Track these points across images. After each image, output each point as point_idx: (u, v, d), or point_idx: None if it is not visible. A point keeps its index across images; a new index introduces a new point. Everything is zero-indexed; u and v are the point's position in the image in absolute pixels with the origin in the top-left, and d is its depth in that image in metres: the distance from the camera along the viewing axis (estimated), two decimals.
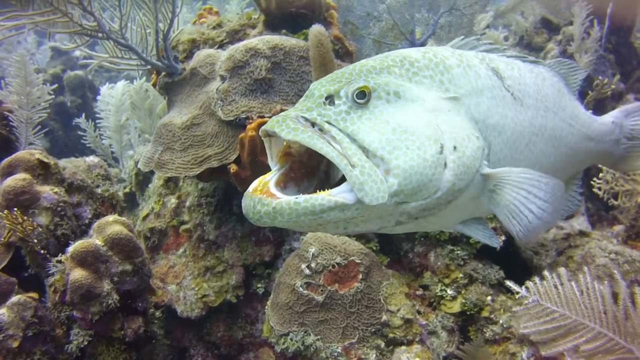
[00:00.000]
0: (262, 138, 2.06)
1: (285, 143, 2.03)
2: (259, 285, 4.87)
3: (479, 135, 2.22)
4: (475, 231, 2.64)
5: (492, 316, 4.42)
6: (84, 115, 8.06)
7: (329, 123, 1.97)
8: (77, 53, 13.03)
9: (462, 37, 2.66)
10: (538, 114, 2.69)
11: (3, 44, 13.05)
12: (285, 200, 1.86)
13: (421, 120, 2.06)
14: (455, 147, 2.07)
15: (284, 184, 2.02)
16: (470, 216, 2.57)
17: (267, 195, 1.89)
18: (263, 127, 2.00)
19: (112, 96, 7.91)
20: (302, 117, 1.99)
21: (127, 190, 6.65)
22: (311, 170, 2.13)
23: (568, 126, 2.95)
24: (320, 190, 1.91)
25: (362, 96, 2.02)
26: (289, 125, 1.93)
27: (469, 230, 2.63)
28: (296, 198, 1.85)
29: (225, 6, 10.18)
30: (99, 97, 8.25)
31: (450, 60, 2.37)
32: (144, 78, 7.94)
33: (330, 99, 2.03)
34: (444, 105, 2.18)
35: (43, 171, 4.35)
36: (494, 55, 2.66)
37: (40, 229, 4.08)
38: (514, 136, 2.46)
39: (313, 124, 1.97)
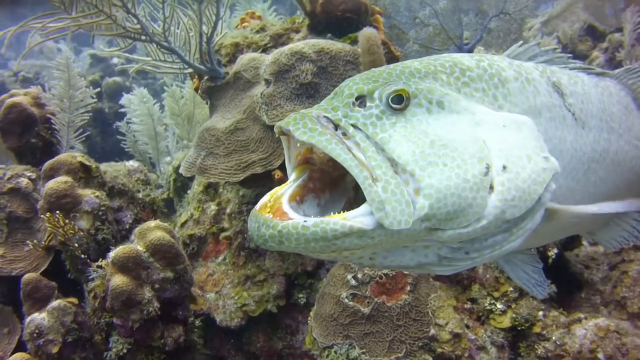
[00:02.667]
0: (278, 136, 1.80)
1: (306, 145, 1.76)
2: (300, 295, 4.75)
3: (548, 156, 1.90)
4: (520, 272, 2.34)
5: (544, 332, 4.23)
6: (125, 119, 8.04)
7: (355, 127, 1.70)
8: (115, 60, 13.16)
9: (521, 42, 2.37)
10: (601, 136, 2.39)
11: (43, 51, 13.23)
12: (293, 223, 1.58)
13: (466, 136, 1.77)
14: (504, 167, 1.76)
15: (300, 197, 1.77)
16: (525, 246, 2.22)
17: (275, 215, 1.62)
18: (278, 123, 1.74)
19: (136, 104, 7.88)
20: (325, 116, 1.72)
21: (164, 196, 6.60)
22: (334, 181, 1.86)
23: (634, 148, 2.63)
24: (345, 210, 1.64)
25: (399, 101, 1.74)
26: (306, 125, 1.67)
27: (511, 268, 2.34)
28: (305, 221, 1.57)
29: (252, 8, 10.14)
30: (122, 104, 8.26)
31: (507, 72, 2.08)
32: (174, 86, 7.92)
33: (361, 99, 1.76)
34: (499, 121, 1.88)
35: (85, 174, 4.30)
36: (556, 68, 2.37)
37: (81, 233, 4.03)
38: (572, 163, 2.17)
39: (336, 127, 1.70)
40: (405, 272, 4.08)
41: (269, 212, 1.65)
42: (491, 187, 1.73)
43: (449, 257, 1.82)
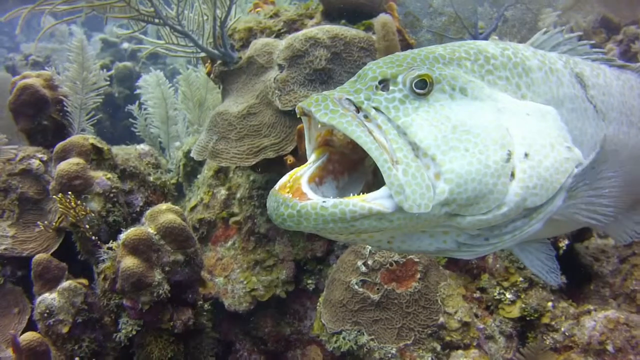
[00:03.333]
0: (299, 116, 1.80)
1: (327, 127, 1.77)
2: (310, 281, 4.74)
3: (571, 146, 1.89)
4: (534, 260, 2.33)
5: (553, 323, 4.22)
6: (137, 103, 8.04)
7: (378, 110, 1.70)
8: (125, 45, 13.16)
9: (544, 30, 2.35)
10: (620, 129, 2.39)
11: (54, 35, 13.23)
12: (312, 203, 1.58)
13: (488, 122, 1.77)
14: (526, 155, 1.77)
15: (320, 179, 1.78)
16: (540, 236, 2.23)
17: (294, 195, 1.63)
18: (300, 104, 1.74)
19: (153, 87, 7.87)
20: (347, 98, 1.72)
21: (174, 181, 6.60)
22: (353, 164, 1.87)
23: None
24: (363, 192, 1.64)
25: (423, 86, 1.75)
26: (328, 106, 1.67)
27: (526, 257, 2.32)
28: (324, 202, 1.58)
29: None
30: (139, 85, 8.25)
31: (531, 61, 2.07)
32: (190, 69, 7.91)
33: (384, 83, 1.76)
34: (522, 109, 1.89)
35: (96, 156, 4.31)
36: (579, 58, 2.35)
37: (92, 215, 4.03)
38: (590, 156, 2.12)
39: (358, 109, 1.70)
40: (415, 260, 4.07)
41: (288, 192, 1.65)
42: (512, 175, 1.74)
43: (468, 243, 1.82)
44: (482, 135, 1.72)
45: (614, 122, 2.36)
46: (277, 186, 1.69)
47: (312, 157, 1.81)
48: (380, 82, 1.77)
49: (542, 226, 1.89)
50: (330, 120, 1.64)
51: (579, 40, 2.43)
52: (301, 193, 1.64)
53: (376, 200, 1.60)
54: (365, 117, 1.68)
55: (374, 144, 1.61)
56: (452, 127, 1.70)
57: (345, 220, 1.57)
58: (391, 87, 1.75)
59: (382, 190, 1.61)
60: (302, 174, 1.72)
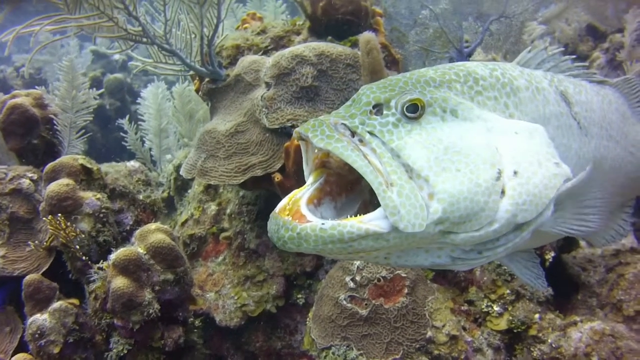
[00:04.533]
0: (297, 141, 1.88)
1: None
2: (299, 295, 4.78)
3: (559, 162, 1.95)
4: (522, 269, 2.39)
5: (540, 335, 4.27)
6: (127, 116, 8.07)
7: (372, 134, 1.77)
8: (117, 57, 13.18)
9: (529, 48, 2.43)
10: (601, 144, 2.47)
11: (46, 47, 13.23)
12: (311, 226, 1.65)
13: (478, 142, 1.83)
14: (516, 172, 1.82)
15: (318, 200, 1.83)
16: (526, 247, 2.30)
17: (294, 217, 1.70)
18: (297, 129, 1.81)
19: (151, 99, 7.90)
20: (342, 124, 1.79)
21: (165, 194, 6.63)
22: (351, 185, 1.92)
23: (629, 155, 2.73)
24: (361, 213, 1.71)
25: (415, 110, 1.81)
26: (324, 132, 1.74)
27: (515, 266, 2.39)
28: (322, 224, 1.65)
29: (261, 11, 10.15)
30: (142, 96, 8.27)
31: (518, 81, 2.14)
32: (187, 82, 7.95)
33: (378, 107, 1.83)
34: (511, 128, 1.94)
35: (86, 177, 4.35)
36: (562, 76, 2.44)
37: (82, 235, 4.07)
38: (575, 170, 2.13)
39: (353, 134, 1.77)
40: (403, 275, 4.11)
41: (288, 215, 1.72)
42: (503, 192, 1.80)
43: (462, 257, 1.88)
44: (472, 155, 1.78)
45: (596, 136, 2.43)
46: (277, 209, 1.76)
47: (310, 179, 1.88)
48: (374, 107, 1.83)
49: (530, 235, 1.95)
50: (327, 146, 1.71)
51: (561, 55, 2.50)
52: (300, 215, 1.71)
53: (372, 222, 1.66)
54: (360, 141, 1.75)
55: (369, 167, 1.68)
56: (443, 149, 1.77)
57: (343, 241, 1.64)
58: (384, 112, 1.82)
59: (378, 212, 1.68)
60: (301, 196, 1.79)
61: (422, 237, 1.72)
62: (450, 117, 1.87)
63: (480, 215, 1.76)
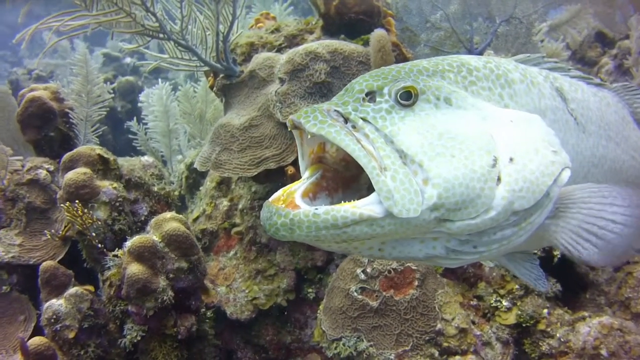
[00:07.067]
0: (290, 130, 1.83)
1: (318, 142, 1.82)
2: (310, 290, 4.83)
3: (558, 150, 1.91)
4: (521, 269, 2.37)
5: (549, 329, 4.30)
6: (135, 118, 8.15)
7: (365, 120, 1.73)
8: (128, 60, 13.30)
9: (527, 55, 2.40)
10: (600, 143, 2.43)
11: (57, 50, 13.38)
12: (304, 211, 1.62)
13: (473, 129, 1.80)
14: (511, 159, 1.79)
15: (313, 194, 1.80)
16: (524, 248, 2.26)
17: (287, 206, 1.66)
18: (290, 117, 1.78)
19: (157, 100, 7.97)
20: (335, 110, 1.76)
21: (176, 193, 6.69)
22: (347, 181, 1.88)
23: (630, 158, 2.68)
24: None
25: (408, 97, 1.78)
26: (317, 117, 1.70)
27: (514, 266, 2.36)
28: (315, 209, 1.61)
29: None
30: (140, 100, 8.36)
31: (513, 74, 2.12)
32: (189, 84, 8.03)
33: (371, 95, 1.80)
34: (506, 116, 1.92)
35: (102, 166, 4.42)
36: (558, 74, 2.41)
37: (98, 223, 4.13)
38: (573, 166, 2.09)
39: (346, 120, 1.73)
40: (413, 268, 4.16)
41: (281, 204, 1.69)
42: (499, 179, 1.76)
43: (457, 249, 1.84)
44: (467, 142, 1.75)
45: (594, 135, 2.40)
46: (270, 199, 1.73)
47: (306, 174, 1.84)
48: (367, 94, 1.80)
49: (528, 237, 1.92)
50: (319, 130, 1.68)
51: (556, 62, 2.47)
52: (294, 205, 1.68)
53: (367, 206, 1.62)
54: (353, 127, 1.72)
55: (362, 151, 1.65)
56: (437, 135, 1.74)
57: (337, 226, 1.60)
58: (377, 99, 1.79)
59: (372, 197, 1.64)
60: (296, 189, 1.75)
61: (417, 224, 1.68)
62: (444, 104, 1.84)
63: (477, 202, 1.72)
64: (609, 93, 2.72)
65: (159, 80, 9.46)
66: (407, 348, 4.04)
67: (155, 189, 4.88)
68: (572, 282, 4.76)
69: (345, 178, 1.87)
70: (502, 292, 4.48)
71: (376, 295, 4.13)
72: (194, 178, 6.49)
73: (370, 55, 4.53)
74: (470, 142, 1.76)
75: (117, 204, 4.29)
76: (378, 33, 4.27)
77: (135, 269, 3.79)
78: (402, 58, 5.07)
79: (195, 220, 5.61)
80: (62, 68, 12.52)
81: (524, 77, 2.15)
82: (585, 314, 4.33)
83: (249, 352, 5.05)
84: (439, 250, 1.83)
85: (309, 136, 1.75)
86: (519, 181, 1.78)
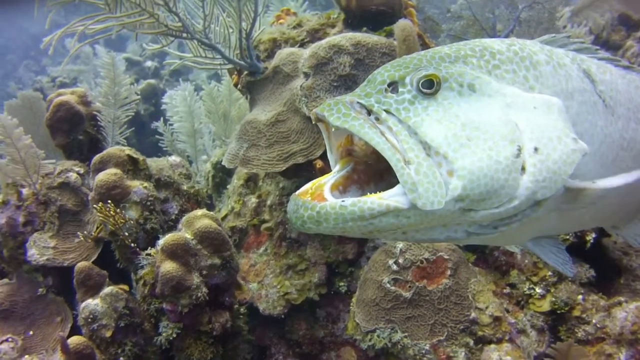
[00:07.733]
0: (315, 123, 1.84)
1: (345, 135, 1.82)
2: (342, 283, 4.82)
3: (577, 138, 1.89)
4: (548, 254, 2.35)
5: (584, 316, 4.26)
6: (162, 119, 8.23)
7: (388, 112, 1.73)
8: (149, 63, 13.42)
9: (553, 35, 2.35)
10: (629, 126, 2.38)
11: (80, 57, 13.54)
12: (331, 204, 1.63)
13: (497, 118, 1.79)
14: (536, 149, 1.77)
15: (343, 188, 1.80)
16: (543, 233, 2.27)
17: (315, 199, 1.67)
18: (314, 110, 1.79)
19: (176, 100, 8.03)
20: (358, 102, 1.75)
21: (205, 191, 6.73)
22: (379, 174, 1.87)
23: None
24: None
25: (430, 85, 1.77)
26: (340, 110, 1.71)
27: (540, 251, 2.34)
28: (342, 201, 1.62)
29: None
30: (164, 101, 8.43)
31: (538, 55, 2.08)
32: (213, 83, 8.07)
33: (393, 85, 1.78)
34: (529, 102, 1.89)
35: (132, 167, 4.46)
36: (585, 56, 2.37)
37: (131, 222, 4.17)
38: (602, 148, 2.15)
39: (369, 112, 1.73)
40: (445, 257, 4.15)
41: (308, 197, 1.70)
42: (523, 169, 1.76)
43: (477, 232, 1.85)
44: (491, 131, 1.74)
45: (622, 117, 2.35)
46: (298, 192, 1.74)
47: (336, 167, 1.85)
48: (389, 85, 1.79)
49: (545, 211, 1.92)
50: (343, 124, 1.69)
51: (582, 43, 2.42)
52: (322, 198, 1.69)
53: (393, 197, 1.64)
54: (377, 119, 1.72)
55: (386, 144, 1.65)
56: (461, 125, 1.73)
57: (364, 218, 1.62)
58: (400, 89, 1.78)
59: (397, 188, 1.65)
60: (326, 182, 1.76)
61: (442, 215, 1.70)
62: (467, 91, 1.82)
63: (500, 193, 1.72)
64: (637, 75, 2.65)
65: (180, 81, 9.57)
66: (441, 338, 4.03)
67: (185, 187, 4.91)
68: (606, 267, 4.71)
69: (377, 170, 1.86)
70: (535, 279, 4.45)
71: (409, 286, 4.12)
72: (221, 177, 6.52)
73: (395, 45, 4.52)
74: (495, 131, 1.75)
75: (149, 203, 4.33)
76: (402, 23, 4.26)
77: (169, 266, 3.83)
78: (425, 48, 5.05)
79: (223, 218, 5.64)
80: (85, 74, 12.68)
81: (549, 59, 2.11)
82: (622, 299, 4.29)
83: (282, 347, 5.07)
84: (460, 233, 1.84)
85: (333, 129, 1.76)
86: (543, 172, 1.78)
